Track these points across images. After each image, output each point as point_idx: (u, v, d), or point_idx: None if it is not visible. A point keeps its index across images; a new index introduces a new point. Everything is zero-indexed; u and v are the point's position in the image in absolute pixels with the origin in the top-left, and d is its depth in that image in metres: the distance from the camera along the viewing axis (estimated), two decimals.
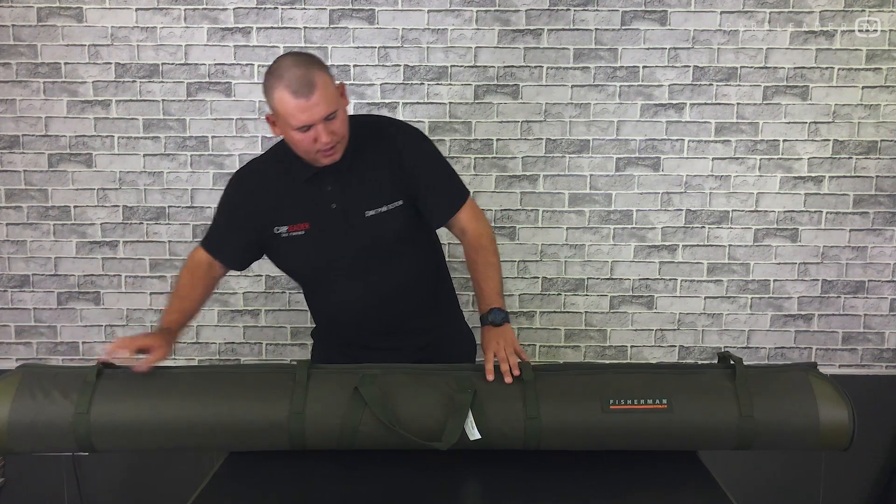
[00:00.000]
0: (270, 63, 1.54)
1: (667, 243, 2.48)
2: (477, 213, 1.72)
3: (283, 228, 1.63)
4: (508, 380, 1.43)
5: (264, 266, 2.47)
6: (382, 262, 1.65)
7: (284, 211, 1.63)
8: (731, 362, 1.47)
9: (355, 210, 1.61)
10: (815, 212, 2.46)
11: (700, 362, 2.53)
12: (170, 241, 2.48)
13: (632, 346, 2.53)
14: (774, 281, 2.49)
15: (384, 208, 1.62)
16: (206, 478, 1.44)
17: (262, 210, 1.64)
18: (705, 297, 2.51)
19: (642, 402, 1.40)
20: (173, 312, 1.62)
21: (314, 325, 1.87)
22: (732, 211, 2.46)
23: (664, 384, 1.43)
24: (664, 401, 1.40)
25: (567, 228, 2.47)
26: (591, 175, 2.45)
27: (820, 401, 1.40)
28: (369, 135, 1.64)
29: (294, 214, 1.63)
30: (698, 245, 2.48)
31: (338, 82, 1.57)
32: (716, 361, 1.56)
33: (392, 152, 1.64)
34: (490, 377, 1.44)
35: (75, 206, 2.47)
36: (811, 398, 1.40)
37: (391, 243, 1.65)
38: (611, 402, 1.40)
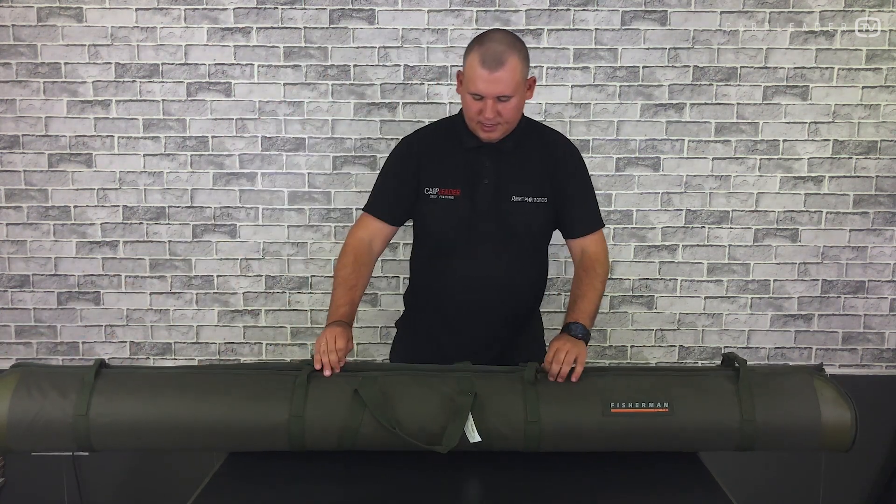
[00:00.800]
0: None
1: (667, 243, 2.48)
2: (604, 244, 1.78)
3: (434, 190, 1.71)
4: (552, 378, 1.45)
5: (264, 266, 2.48)
6: (508, 251, 1.71)
7: (440, 174, 1.71)
8: (736, 364, 1.46)
9: (505, 191, 1.69)
10: (815, 212, 2.46)
11: (703, 364, 2.53)
12: (170, 241, 2.48)
13: (632, 346, 2.53)
14: (774, 281, 2.49)
15: (530, 199, 1.70)
16: (206, 478, 1.44)
17: (422, 169, 1.72)
18: (705, 297, 2.51)
19: (643, 405, 1.39)
20: (343, 305, 1.65)
21: (402, 312, 1.91)
22: (732, 211, 2.46)
23: (666, 387, 1.42)
24: (665, 404, 1.39)
25: None
26: (591, 175, 2.45)
27: (823, 403, 1.40)
28: (539, 134, 1.76)
29: (449, 179, 1.70)
30: (698, 245, 2.48)
31: (531, 76, 1.67)
32: (719, 362, 1.55)
33: (553, 156, 1.74)
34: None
35: (75, 206, 2.47)
36: (814, 400, 1.40)
37: (523, 235, 1.72)
38: (612, 405, 1.39)
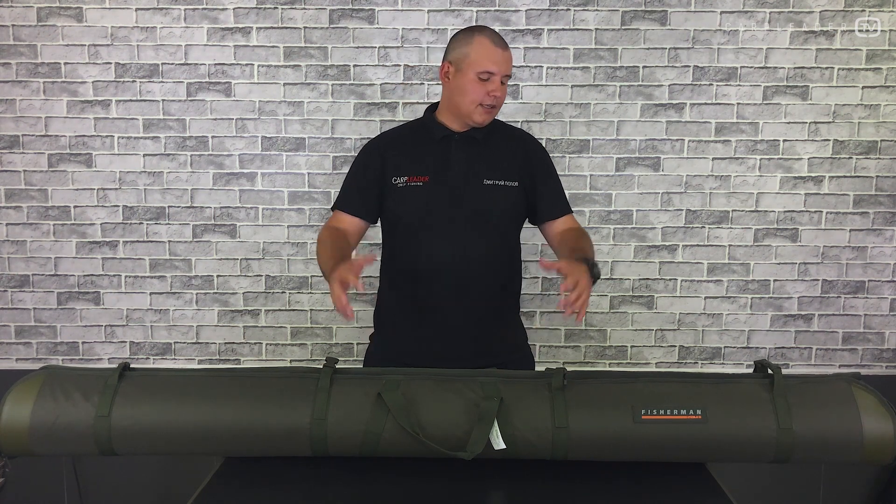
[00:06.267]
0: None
1: (667, 243, 2.48)
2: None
3: (403, 179, 1.73)
4: (570, 308, 1.50)
5: (264, 266, 2.48)
6: (481, 233, 1.72)
7: (408, 164, 1.74)
8: (769, 371, 1.40)
9: (476, 176, 1.73)
10: (815, 212, 2.46)
11: (698, 364, 2.53)
12: (170, 241, 2.48)
13: (632, 346, 2.53)
14: (774, 281, 2.49)
15: (502, 182, 1.73)
16: (206, 478, 1.43)
17: (387, 162, 1.75)
18: (705, 297, 2.51)
19: (675, 412, 1.34)
20: (332, 258, 1.58)
21: (375, 306, 1.89)
22: (732, 211, 2.46)
23: (698, 394, 1.37)
24: (698, 411, 1.34)
25: None
26: (591, 175, 2.45)
27: (863, 412, 1.34)
28: (505, 128, 1.84)
29: (417, 167, 1.73)
30: (698, 245, 2.48)
31: None
32: (752, 371, 1.49)
33: (521, 146, 1.80)
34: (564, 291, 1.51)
35: (75, 206, 2.47)
36: (854, 410, 1.34)
37: (497, 217, 1.74)
38: (643, 411, 1.34)
